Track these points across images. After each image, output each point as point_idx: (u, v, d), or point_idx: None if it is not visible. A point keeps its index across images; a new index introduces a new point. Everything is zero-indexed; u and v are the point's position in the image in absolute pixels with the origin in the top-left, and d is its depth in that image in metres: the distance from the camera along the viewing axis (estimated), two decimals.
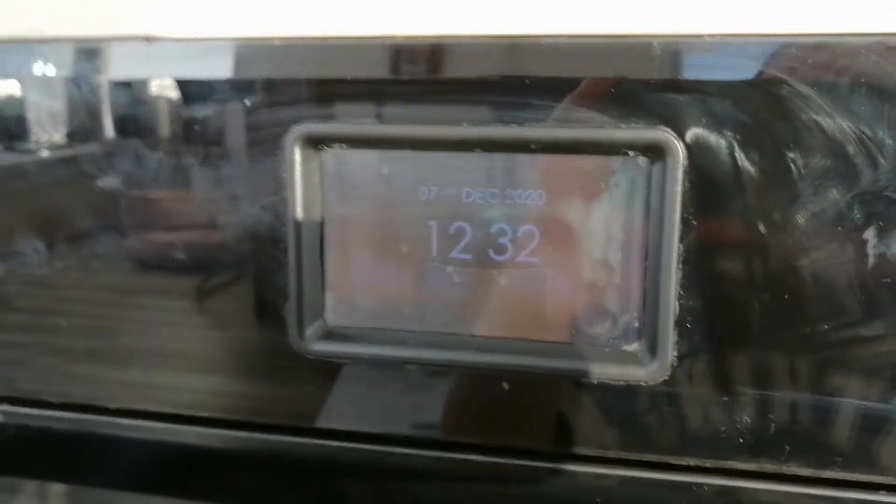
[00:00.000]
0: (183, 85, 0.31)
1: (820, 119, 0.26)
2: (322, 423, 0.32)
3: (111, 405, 0.34)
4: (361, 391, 0.31)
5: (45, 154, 0.33)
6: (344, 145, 0.30)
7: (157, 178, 0.31)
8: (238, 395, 0.33)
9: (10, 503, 0.39)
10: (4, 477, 0.39)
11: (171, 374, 0.34)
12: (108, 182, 0.32)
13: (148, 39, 0.30)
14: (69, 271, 0.34)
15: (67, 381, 0.35)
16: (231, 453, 0.35)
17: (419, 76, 0.29)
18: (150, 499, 0.37)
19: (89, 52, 0.31)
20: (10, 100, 0.33)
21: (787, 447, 0.27)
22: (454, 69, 0.28)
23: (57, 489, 0.39)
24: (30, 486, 0.39)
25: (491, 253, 0.29)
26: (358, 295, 0.31)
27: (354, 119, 0.29)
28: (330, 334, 0.31)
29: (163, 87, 0.31)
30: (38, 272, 0.34)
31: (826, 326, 0.26)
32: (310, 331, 0.31)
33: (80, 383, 0.35)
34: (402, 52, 0.28)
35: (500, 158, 0.29)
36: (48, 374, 0.35)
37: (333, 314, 0.31)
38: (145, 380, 0.34)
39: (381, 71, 0.29)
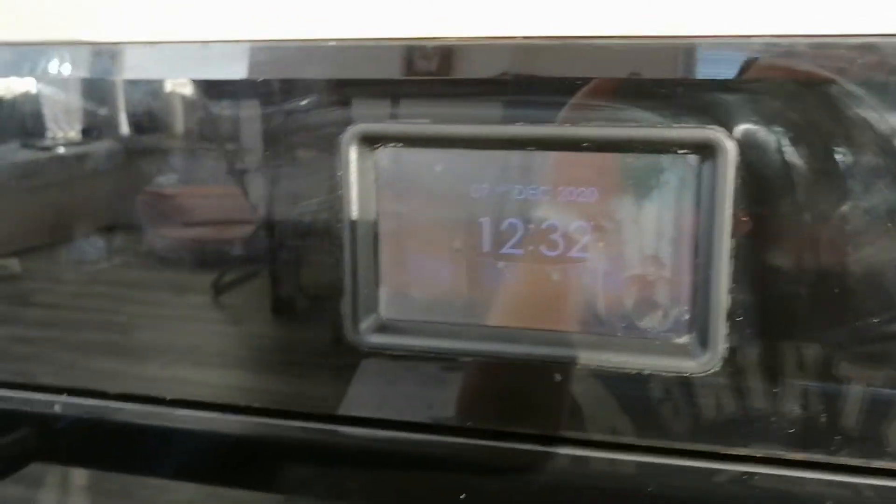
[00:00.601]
0: (232, 85, 0.32)
1: (870, 117, 0.26)
2: (372, 411, 0.33)
3: (165, 396, 0.35)
4: (413, 383, 0.32)
5: (99, 151, 0.34)
6: (399, 144, 0.30)
7: (217, 177, 0.32)
8: (290, 386, 0.34)
9: (32, 494, 0.40)
10: (43, 466, 0.40)
11: (221, 368, 0.35)
12: (164, 181, 0.33)
13: (205, 43, 0.31)
14: (128, 267, 0.35)
15: (124, 377, 0.36)
16: (277, 443, 0.35)
17: (473, 76, 0.30)
18: (173, 486, 0.38)
19: (150, 54, 0.32)
20: (32, 98, 0.33)
21: (838, 437, 0.28)
22: (503, 69, 0.29)
23: (79, 481, 0.40)
24: (52, 477, 0.40)
25: (542, 248, 0.30)
26: (411, 289, 0.31)
27: (409, 118, 0.30)
28: (384, 327, 0.32)
29: (223, 88, 0.32)
30: (98, 266, 0.35)
31: (876, 320, 0.27)
32: (364, 324, 0.31)
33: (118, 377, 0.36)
34: (456, 53, 0.29)
35: (552, 156, 0.30)
36: (106, 369, 0.36)
37: (387, 308, 0.32)
38: (196, 375, 0.35)
39: (435, 71, 0.30)
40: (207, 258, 0.34)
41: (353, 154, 0.30)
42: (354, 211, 0.31)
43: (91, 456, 0.38)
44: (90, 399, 0.36)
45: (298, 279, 0.33)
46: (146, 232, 0.34)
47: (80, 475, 0.40)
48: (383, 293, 0.32)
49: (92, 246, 0.34)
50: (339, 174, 0.31)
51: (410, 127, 0.30)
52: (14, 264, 0.35)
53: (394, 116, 0.30)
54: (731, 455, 0.29)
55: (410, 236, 0.31)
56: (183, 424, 0.35)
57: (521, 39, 0.29)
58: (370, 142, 0.30)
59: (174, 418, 0.35)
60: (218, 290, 0.34)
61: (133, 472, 0.37)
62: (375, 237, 0.31)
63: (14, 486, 0.39)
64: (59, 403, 0.36)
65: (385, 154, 0.31)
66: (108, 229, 0.34)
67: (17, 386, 0.37)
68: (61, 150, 0.33)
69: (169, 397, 0.35)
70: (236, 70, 0.31)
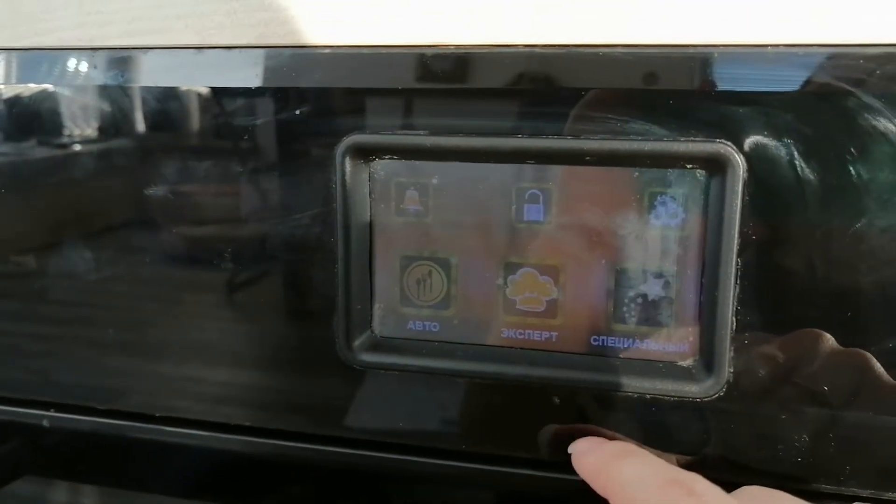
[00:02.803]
0: (229, 93, 0.30)
1: (888, 130, 0.25)
2: (365, 431, 0.32)
3: (157, 412, 0.35)
4: (403, 400, 0.31)
5: (97, 155, 0.33)
6: (394, 156, 0.29)
7: (213, 185, 0.31)
8: (283, 402, 0.33)
9: (42, 499, 0.39)
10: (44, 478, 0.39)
11: (213, 379, 0.34)
12: (165, 188, 0.32)
13: (198, 48, 0.30)
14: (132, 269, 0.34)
15: (106, 377, 0.35)
16: (271, 462, 0.35)
17: (470, 86, 0.28)
18: (179, 502, 0.37)
19: (143, 60, 0.31)
20: (49, 96, 0.32)
21: (847, 467, 0.27)
22: (505, 80, 0.28)
23: (88, 488, 0.39)
24: (61, 483, 0.39)
25: (543, 265, 0.29)
26: (406, 306, 0.30)
27: (404, 130, 0.29)
28: (378, 345, 0.31)
29: (212, 95, 0.31)
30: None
31: (891, 344, 0.26)
32: (358, 341, 0.30)
33: (117, 380, 0.35)
34: (453, 61, 0.28)
35: (552, 170, 0.28)
36: (92, 372, 0.35)
37: (381, 325, 0.31)
38: (193, 381, 0.34)
39: (431, 81, 0.29)
40: (208, 277, 0.33)
41: (347, 166, 0.29)
42: (348, 224, 0.30)
43: (81, 470, 0.37)
44: (81, 415, 0.35)
45: (294, 295, 0.32)
46: (145, 252, 0.33)
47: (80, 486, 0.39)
48: (377, 310, 0.31)
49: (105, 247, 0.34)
50: (332, 187, 0.30)
51: (405, 139, 0.29)
52: (30, 261, 0.35)
53: (388, 127, 0.29)
54: (737, 484, 0.28)
55: (405, 251, 0.30)
56: (176, 440, 0.35)
57: (523, 48, 0.27)
58: (365, 153, 0.29)
59: (167, 434, 0.35)
60: (225, 302, 0.33)
61: (126, 487, 0.37)
62: (370, 252, 0.30)
63: (24, 484, 0.39)
64: (47, 418, 0.35)
65: (380, 166, 0.30)
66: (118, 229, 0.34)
67: (13, 401, 0.36)
68: (77, 147, 0.33)
69: (160, 414, 0.34)
70: (230, 78, 0.30)
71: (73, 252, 0.34)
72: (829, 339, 0.26)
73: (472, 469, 0.31)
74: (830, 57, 0.25)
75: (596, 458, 0.25)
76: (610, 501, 0.23)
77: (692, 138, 0.26)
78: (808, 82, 0.25)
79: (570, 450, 0.26)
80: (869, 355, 0.26)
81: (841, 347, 0.26)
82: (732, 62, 0.26)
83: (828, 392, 0.27)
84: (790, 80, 0.26)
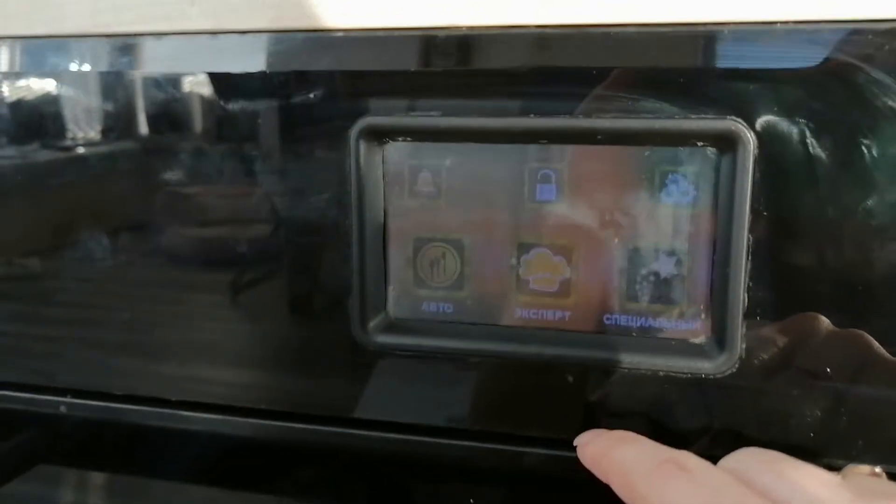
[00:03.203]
0: (240, 79, 0.31)
1: None
2: (381, 413, 0.32)
3: (172, 397, 0.35)
4: (418, 382, 0.32)
5: (109, 148, 0.33)
6: (408, 138, 0.30)
7: (229, 172, 0.31)
8: (295, 386, 0.34)
9: (51, 493, 0.40)
10: (55, 467, 0.40)
11: (228, 366, 0.34)
12: (181, 177, 0.32)
13: (213, 34, 0.31)
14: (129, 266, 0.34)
15: (125, 374, 0.35)
16: (286, 445, 0.35)
17: (481, 67, 0.29)
18: (185, 489, 0.38)
19: (157, 46, 0.31)
20: (51, 97, 0.33)
21: (860, 442, 0.27)
22: (516, 60, 0.28)
23: (96, 480, 0.39)
24: (70, 477, 0.40)
25: (556, 244, 0.29)
26: (420, 287, 0.31)
27: (418, 112, 0.29)
28: (392, 327, 0.31)
29: (222, 82, 0.31)
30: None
31: None
32: (373, 323, 0.31)
33: (131, 376, 0.35)
34: (466, 42, 0.28)
35: (564, 150, 0.29)
36: (113, 369, 0.35)
37: (396, 307, 0.31)
38: (202, 373, 0.35)
39: (444, 63, 0.29)
40: (221, 258, 0.33)
41: (360, 149, 0.30)
42: (362, 207, 0.30)
43: (97, 458, 0.38)
44: (97, 401, 0.35)
45: (308, 278, 0.32)
46: (160, 232, 0.34)
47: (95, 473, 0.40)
48: (392, 292, 0.31)
49: (109, 245, 0.34)
50: (346, 170, 0.30)
51: (419, 120, 0.29)
52: (34, 264, 0.35)
53: (403, 109, 0.29)
54: None
55: (419, 233, 0.30)
56: (191, 426, 0.35)
57: (534, 28, 0.28)
58: (378, 136, 0.30)
59: (182, 419, 0.35)
60: (236, 289, 0.33)
61: (140, 474, 0.37)
62: (384, 234, 0.31)
63: (30, 483, 0.39)
64: (64, 404, 0.36)
65: (394, 149, 0.30)
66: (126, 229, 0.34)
67: (28, 388, 0.37)
68: (85, 143, 0.33)
69: (175, 398, 0.35)
70: (241, 63, 0.31)
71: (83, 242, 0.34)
72: (839, 319, 0.27)
73: (485, 448, 0.31)
74: (839, 33, 0.25)
75: (596, 446, 0.27)
76: (611, 485, 0.25)
77: (703, 116, 0.27)
78: (817, 59, 0.26)
79: (574, 442, 0.28)
80: (868, 336, 0.26)
81: (850, 326, 0.27)
82: (742, 39, 0.26)
83: (838, 368, 0.27)
84: (799, 57, 0.26)
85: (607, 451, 0.26)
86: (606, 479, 0.25)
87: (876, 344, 0.26)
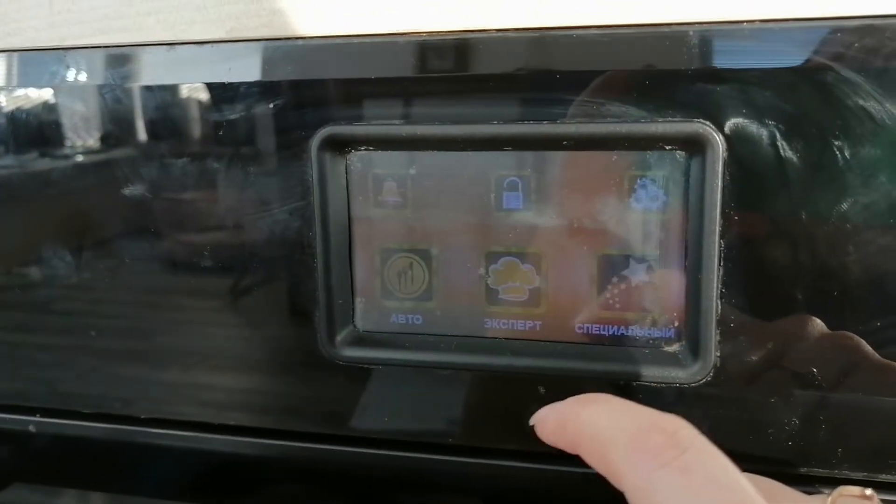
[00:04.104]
0: (209, 89, 0.30)
1: (869, 106, 0.24)
2: (353, 428, 0.32)
3: (144, 414, 0.34)
4: (393, 395, 0.31)
5: (78, 159, 0.32)
6: (370, 147, 0.29)
7: (188, 182, 0.31)
8: (269, 400, 0.33)
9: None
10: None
11: (205, 377, 0.34)
12: (141, 187, 0.32)
13: (171, 45, 0.30)
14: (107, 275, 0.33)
15: (104, 383, 0.35)
16: (261, 461, 0.34)
17: (444, 73, 0.28)
18: None
19: (117, 58, 0.31)
20: (43, 106, 0.32)
21: (839, 450, 0.26)
22: (480, 66, 0.28)
23: (97, 494, 0.39)
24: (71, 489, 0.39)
25: (524, 253, 0.29)
26: (388, 299, 0.30)
27: (380, 120, 0.28)
28: (361, 340, 0.30)
29: (190, 92, 0.30)
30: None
31: (878, 324, 0.25)
32: (340, 337, 0.30)
33: (115, 385, 0.35)
34: (427, 49, 0.28)
35: (530, 157, 0.28)
36: (86, 377, 0.35)
37: (364, 320, 0.30)
38: (180, 381, 0.34)
39: (405, 70, 0.28)
40: (186, 272, 0.32)
41: (323, 158, 0.29)
42: (326, 218, 0.29)
43: (70, 475, 0.37)
44: (66, 419, 0.35)
45: (276, 291, 0.31)
46: (118, 244, 0.33)
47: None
48: (359, 304, 0.30)
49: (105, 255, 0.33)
50: (309, 179, 0.29)
51: (381, 129, 0.28)
52: (34, 272, 0.35)
53: (365, 118, 0.29)
54: None
55: (385, 244, 0.30)
56: (161, 442, 0.34)
57: (494, 32, 0.27)
58: (340, 145, 0.29)
59: (153, 436, 0.34)
60: (211, 291, 0.32)
61: (116, 490, 0.37)
62: (349, 245, 0.30)
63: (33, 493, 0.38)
64: (33, 423, 0.35)
65: (356, 158, 0.29)
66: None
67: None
68: (79, 158, 0.33)
69: (145, 416, 0.34)
70: (206, 73, 0.30)
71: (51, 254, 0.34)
72: (817, 323, 0.26)
73: (459, 462, 0.31)
74: (808, 31, 0.25)
75: (557, 413, 0.22)
76: (581, 454, 0.21)
77: (670, 119, 0.26)
78: (785, 58, 0.25)
79: (531, 422, 0.23)
80: (857, 337, 0.26)
81: (828, 330, 0.26)
82: (708, 40, 0.25)
83: (816, 375, 0.26)
84: (767, 57, 0.25)
85: (572, 416, 0.21)
86: (575, 449, 0.21)
87: (865, 344, 0.26)
